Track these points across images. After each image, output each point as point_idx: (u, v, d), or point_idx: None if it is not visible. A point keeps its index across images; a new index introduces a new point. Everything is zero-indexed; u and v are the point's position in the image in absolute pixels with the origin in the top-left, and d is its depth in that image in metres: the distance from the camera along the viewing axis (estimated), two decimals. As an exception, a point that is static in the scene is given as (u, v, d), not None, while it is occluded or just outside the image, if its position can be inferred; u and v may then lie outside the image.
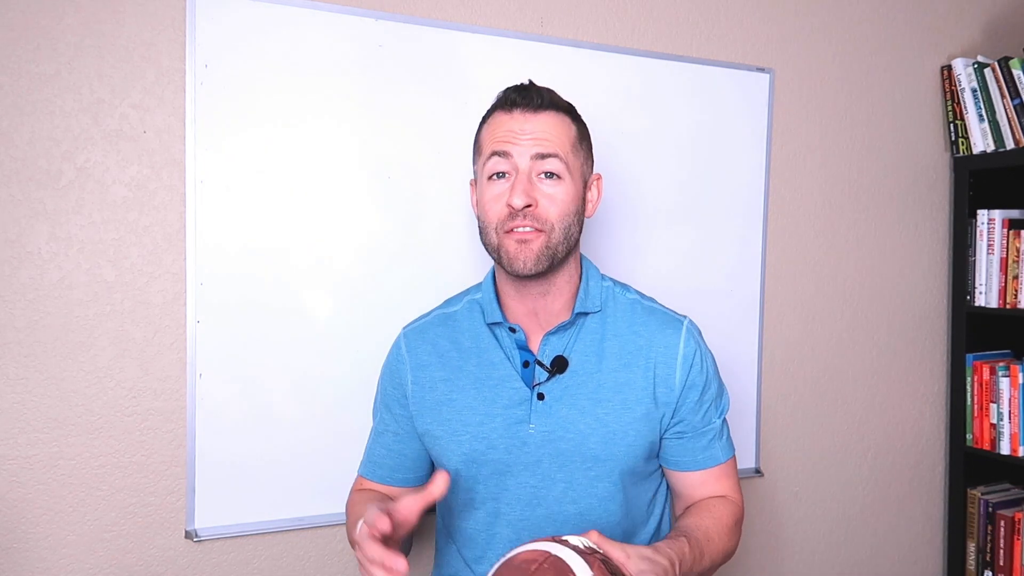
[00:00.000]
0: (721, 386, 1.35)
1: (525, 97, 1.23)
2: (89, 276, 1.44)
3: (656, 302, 1.35)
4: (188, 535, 1.51)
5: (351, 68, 1.58)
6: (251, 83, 1.50)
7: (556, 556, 0.99)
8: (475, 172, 1.30)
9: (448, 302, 1.39)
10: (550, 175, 1.21)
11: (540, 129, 1.21)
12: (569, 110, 1.27)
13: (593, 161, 1.31)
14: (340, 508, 1.59)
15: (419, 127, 1.63)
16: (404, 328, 1.38)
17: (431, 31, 1.63)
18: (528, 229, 1.19)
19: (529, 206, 1.19)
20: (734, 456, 1.35)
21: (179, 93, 1.47)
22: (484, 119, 1.28)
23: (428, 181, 1.65)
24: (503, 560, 1.04)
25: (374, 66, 1.59)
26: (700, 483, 1.31)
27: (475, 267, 1.64)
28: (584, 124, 1.29)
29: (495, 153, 1.21)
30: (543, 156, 1.20)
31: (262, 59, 1.51)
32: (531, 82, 1.27)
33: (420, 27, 1.62)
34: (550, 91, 1.26)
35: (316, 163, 1.56)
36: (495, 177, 1.22)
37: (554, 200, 1.20)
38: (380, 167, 1.61)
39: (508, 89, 1.26)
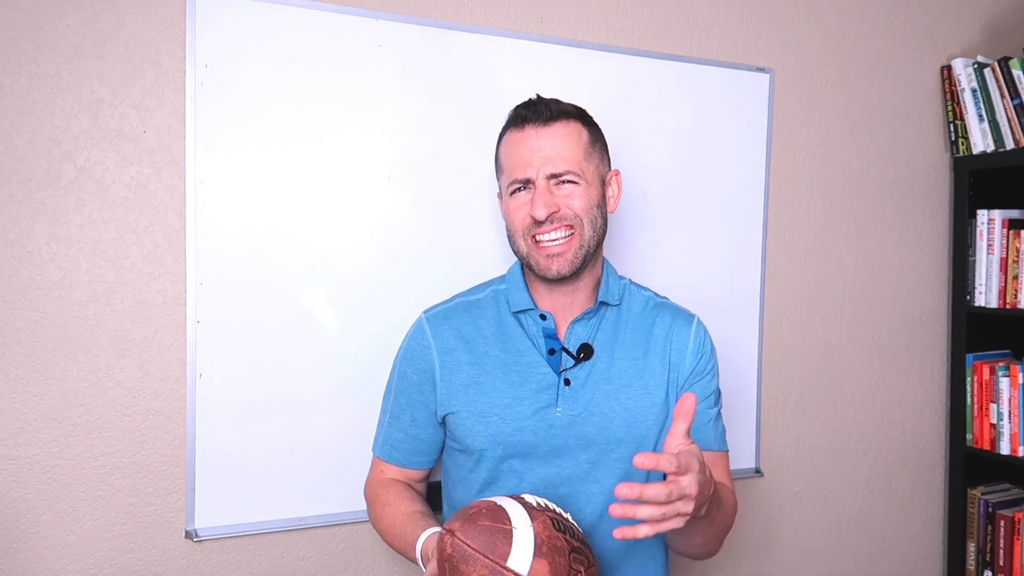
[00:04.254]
0: (718, 384, 1.42)
1: (535, 112, 1.28)
2: (89, 276, 1.44)
3: (668, 300, 1.42)
4: (188, 535, 1.51)
5: (351, 68, 1.58)
6: (251, 83, 1.50)
7: (499, 505, 1.07)
8: (499, 185, 1.36)
9: (470, 291, 1.42)
10: (567, 181, 1.27)
11: (552, 145, 1.26)
12: (579, 115, 1.31)
13: (609, 158, 1.36)
14: (340, 508, 1.60)
15: (419, 127, 1.63)
16: (425, 313, 1.39)
17: (431, 31, 1.63)
18: (558, 236, 1.26)
19: (554, 212, 1.25)
20: (727, 452, 1.40)
21: (179, 93, 1.47)
22: (500, 137, 1.35)
23: (428, 180, 1.65)
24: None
25: (374, 66, 1.59)
26: None
27: (475, 266, 1.64)
28: (595, 125, 1.34)
29: (515, 180, 1.28)
30: (555, 175, 1.26)
31: (262, 59, 1.51)
32: (538, 96, 1.32)
33: (420, 27, 1.62)
34: (557, 101, 1.31)
35: (316, 162, 1.56)
36: (517, 191, 1.29)
37: (573, 198, 1.27)
38: (379, 166, 1.61)
39: (518, 106, 1.31)
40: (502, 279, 1.40)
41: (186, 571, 1.52)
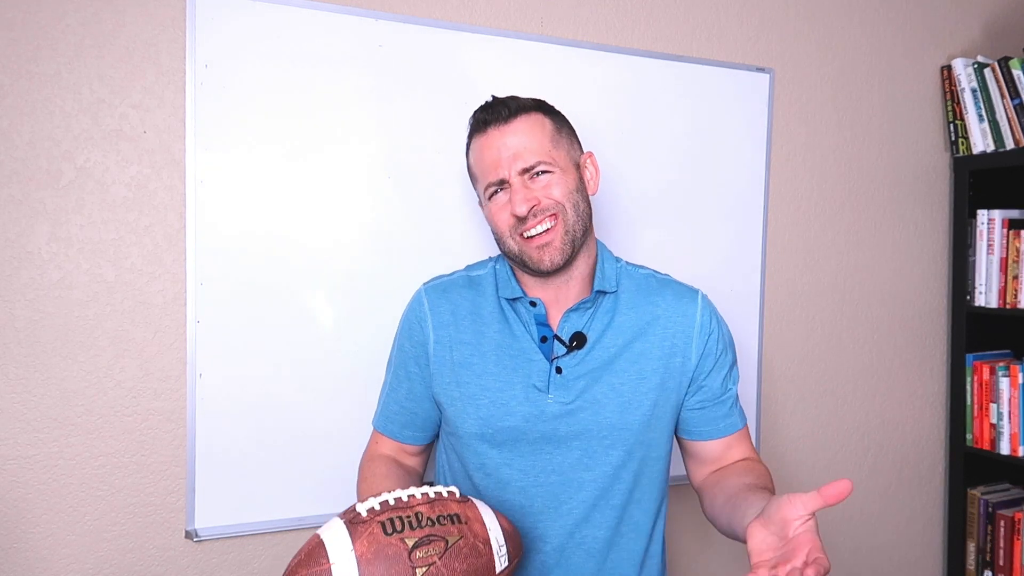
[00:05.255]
0: (735, 355, 1.39)
1: (493, 113, 1.28)
2: (89, 276, 1.44)
3: (671, 277, 1.39)
4: (188, 535, 1.51)
5: (351, 68, 1.58)
6: (251, 83, 1.51)
7: (319, 542, 0.99)
8: (477, 194, 1.36)
9: (473, 266, 1.41)
10: (541, 172, 1.26)
11: (518, 141, 1.26)
12: (538, 107, 1.31)
13: (579, 142, 1.35)
14: (340, 508, 1.59)
15: (419, 126, 1.63)
16: (425, 284, 1.38)
17: (431, 31, 1.63)
18: (543, 228, 1.25)
19: (535, 206, 1.25)
20: (747, 424, 1.39)
21: (179, 93, 1.47)
22: (467, 147, 1.34)
23: (428, 180, 1.65)
24: None
25: (374, 66, 1.59)
26: (725, 448, 1.36)
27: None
28: (557, 113, 1.33)
29: (490, 183, 1.28)
30: (527, 169, 1.26)
31: (262, 59, 1.51)
32: (494, 97, 1.32)
33: (420, 27, 1.62)
34: (514, 97, 1.31)
35: (316, 162, 1.56)
36: (495, 193, 1.29)
37: (550, 186, 1.26)
38: (380, 166, 1.61)
39: (476, 112, 1.32)
40: (501, 257, 1.38)
41: (186, 571, 1.52)
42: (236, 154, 1.50)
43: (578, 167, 1.31)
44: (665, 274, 1.40)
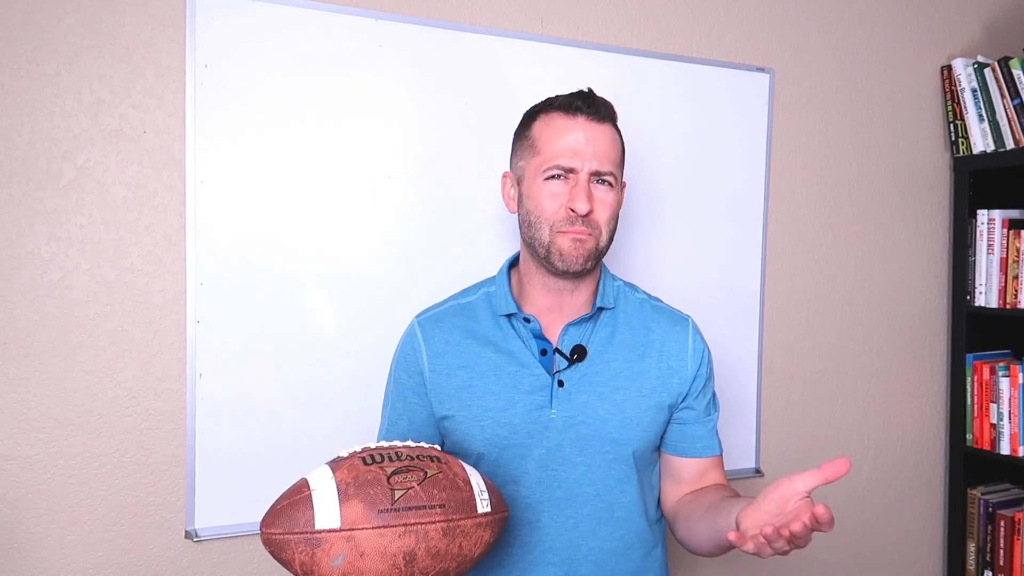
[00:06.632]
0: (714, 387, 1.42)
1: (591, 106, 1.27)
2: (89, 276, 1.44)
3: (661, 301, 1.42)
4: (188, 535, 1.51)
5: (351, 68, 1.58)
6: (251, 83, 1.51)
7: (302, 478, 1.05)
8: (519, 166, 1.32)
9: (462, 293, 1.41)
10: (603, 181, 1.27)
11: (600, 145, 1.26)
12: (617, 126, 1.32)
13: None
14: (340, 508, 1.60)
15: (418, 127, 1.63)
16: (417, 317, 1.39)
17: (431, 31, 1.63)
18: (583, 235, 1.25)
19: (589, 212, 1.25)
20: (723, 454, 1.42)
21: (179, 93, 1.47)
22: (537, 115, 1.30)
23: (427, 180, 1.65)
24: None
25: (374, 66, 1.59)
26: (701, 471, 1.38)
27: (474, 265, 1.64)
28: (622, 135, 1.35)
29: (557, 165, 1.25)
30: (600, 173, 1.26)
31: (262, 59, 1.51)
32: (591, 90, 1.31)
33: (420, 27, 1.62)
34: (607, 103, 1.30)
35: (316, 162, 1.56)
36: (553, 177, 1.26)
37: (605, 205, 1.27)
38: (380, 166, 1.61)
39: (572, 94, 1.29)
40: (492, 280, 1.39)
41: (186, 571, 1.52)
42: (236, 154, 1.50)
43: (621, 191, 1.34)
44: (656, 298, 1.42)
